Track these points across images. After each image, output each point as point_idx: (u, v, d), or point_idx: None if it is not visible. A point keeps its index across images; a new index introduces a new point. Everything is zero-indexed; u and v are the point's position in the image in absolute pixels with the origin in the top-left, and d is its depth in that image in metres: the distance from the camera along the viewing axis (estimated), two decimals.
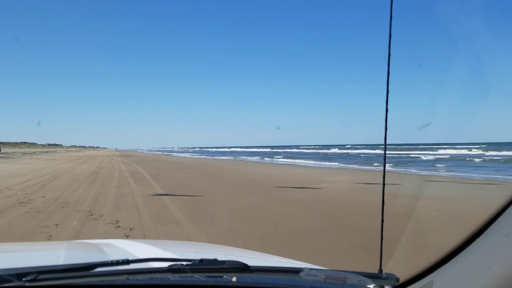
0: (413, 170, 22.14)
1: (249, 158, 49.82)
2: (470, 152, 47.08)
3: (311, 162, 34.86)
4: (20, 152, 72.99)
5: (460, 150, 52.94)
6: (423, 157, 38.48)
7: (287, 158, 44.71)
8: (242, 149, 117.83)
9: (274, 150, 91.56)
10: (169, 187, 13.69)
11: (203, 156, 60.32)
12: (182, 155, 72.83)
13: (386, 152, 1.30)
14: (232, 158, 51.70)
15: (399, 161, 31.39)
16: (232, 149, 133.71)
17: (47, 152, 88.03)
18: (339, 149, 77.66)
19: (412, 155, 43.34)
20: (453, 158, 37.13)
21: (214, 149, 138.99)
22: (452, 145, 75.07)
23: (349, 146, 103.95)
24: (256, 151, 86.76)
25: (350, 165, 29.13)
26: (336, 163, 32.15)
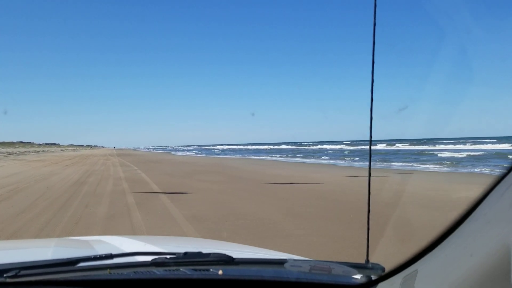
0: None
1: (262, 157, 43.53)
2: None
3: (346, 162, 28.64)
4: (6, 153, 66.14)
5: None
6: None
7: (302, 156, 38.58)
8: (242, 147, 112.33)
9: (278, 147, 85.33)
10: (210, 220, 7.24)
11: (208, 156, 53.84)
12: (184, 154, 66.36)
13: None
14: (242, 156, 45.41)
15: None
16: (232, 147, 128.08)
17: (38, 152, 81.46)
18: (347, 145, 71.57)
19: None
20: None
21: (211, 147, 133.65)
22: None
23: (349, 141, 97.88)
24: (258, 149, 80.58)
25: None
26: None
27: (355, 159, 31.95)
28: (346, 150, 54.73)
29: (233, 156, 47.12)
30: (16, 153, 66.69)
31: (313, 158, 36.84)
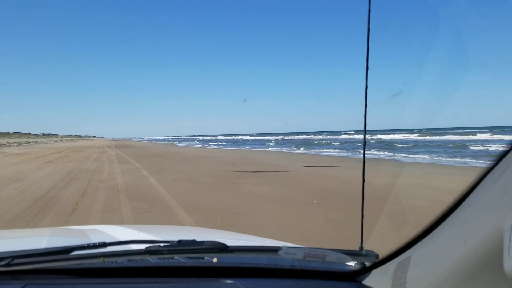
0: None
1: (284, 148, 37.57)
2: None
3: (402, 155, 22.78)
4: None
5: None
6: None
7: (334, 148, 32.74)
8: (244, 137, 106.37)
9: (285, 138, 79.23)
10: None
11: (217, 147, 47.79)
12: (188, 145, 60.32)
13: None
14: (261, 148, 39.47)
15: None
16: (233, 137, 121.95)
17: (30, 143, 75.28)
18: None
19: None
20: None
21: (207, 138, 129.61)
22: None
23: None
24: (262, 139, 74.56)
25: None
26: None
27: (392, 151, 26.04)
28: (357, 141, 48.42)
29: (248, 148, 41.12)
30: (3, 144, 60.44)
31: (336, 149, 30.93)
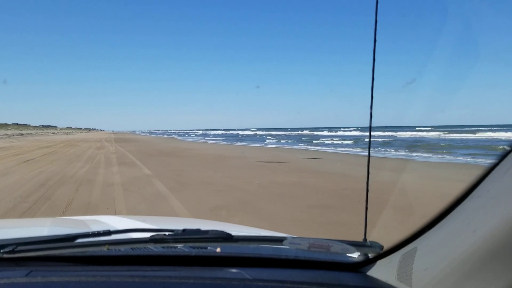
0: None
1: (309, 147, 32.60)
2: None
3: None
4: None
5: None
6: None
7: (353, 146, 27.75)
8: (249, 132, 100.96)
9: (297, 133, 73.98)
10: None
11: (233, 143, 42.66)
12: (194, 140, 55.23)
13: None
14: (286, 146, 34.47)
15: None
16: (233, 131, 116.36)
17: (23, 135, 70.14)
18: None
19: None
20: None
21: (211, 132, 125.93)
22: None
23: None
24: (270, 134, 69.37)
25: None
26: None
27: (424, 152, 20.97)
28: (380, 138, 43.52)
29: (267, 145, 36.07)
30: None
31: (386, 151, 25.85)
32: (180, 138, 63.54)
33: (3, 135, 61.51)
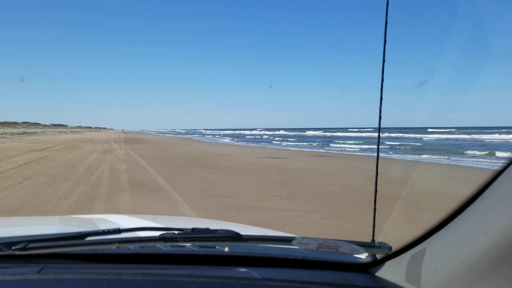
0: None
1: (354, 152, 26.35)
2: None
3: None
4: None
5: None
6: None
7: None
8: (262, 132, 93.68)
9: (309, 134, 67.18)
10: None
11: (265, 145, 36.45)
12: (213, 141, 49.20)
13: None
14: (323, 150, 28.26)
15: None
16: (248, 131, 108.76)
17: (24, 133, 64.79)
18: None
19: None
20: None
21: (220, 132, 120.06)
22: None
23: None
24: (287, 134, 62.87)
25: None
26: None
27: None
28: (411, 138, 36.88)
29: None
30: None
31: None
32: (195, 138, 57.64)
33: (1, 134, 56.15)
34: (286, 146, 34.05)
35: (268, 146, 33.53)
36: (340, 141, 38.81)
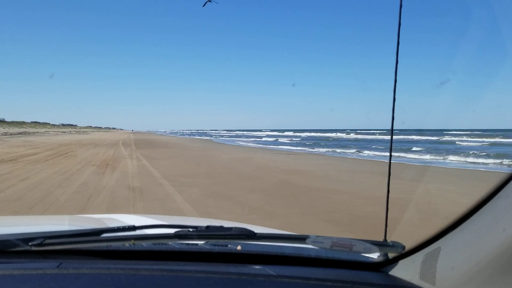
0: None
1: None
2: None
3: None
4: None
5: None
6: None
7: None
8: (274, 133, 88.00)
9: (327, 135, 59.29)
10: None
11: (311, 151, 28.72)
12: (236, 143, 41.53)
13: None
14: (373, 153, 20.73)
15: None
16: (259, 133, 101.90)
17: (22, 133, 57.96)
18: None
19: None
20: None
21: (238, 132, 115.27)
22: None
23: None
24: (306, 136, 55.03)
25: None
26: None
27: None
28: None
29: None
30: None
31: None
32: (215, 140, 50.24)
33: (4, 133, 49.40)
34: (359, 155, 26.33)
35: (330, 154, 25.82)
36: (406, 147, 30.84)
